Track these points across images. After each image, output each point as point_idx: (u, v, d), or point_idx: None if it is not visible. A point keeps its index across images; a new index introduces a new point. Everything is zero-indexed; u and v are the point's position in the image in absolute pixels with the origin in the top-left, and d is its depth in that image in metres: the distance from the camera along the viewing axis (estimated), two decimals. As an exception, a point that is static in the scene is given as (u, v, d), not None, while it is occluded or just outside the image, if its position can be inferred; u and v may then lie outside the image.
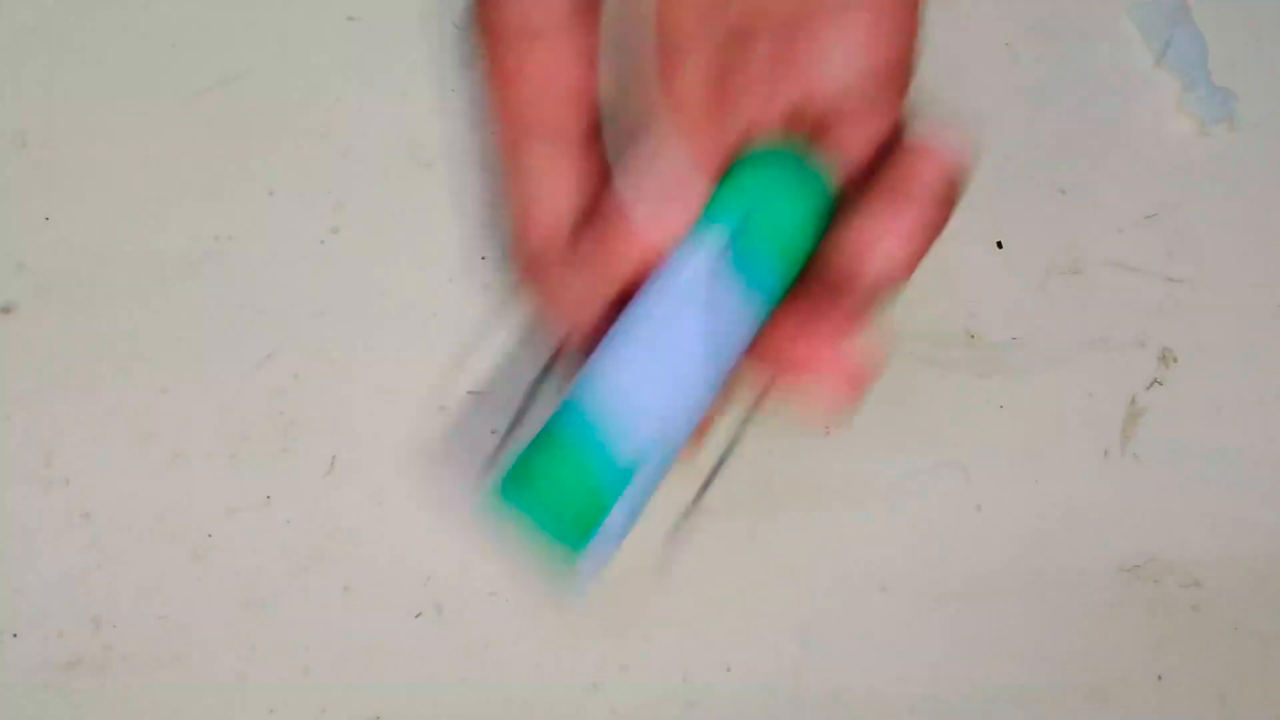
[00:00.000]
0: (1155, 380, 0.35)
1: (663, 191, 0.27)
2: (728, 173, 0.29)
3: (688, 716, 0.32)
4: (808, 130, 0.31)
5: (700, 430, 0.29)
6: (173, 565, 0.33)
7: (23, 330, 0.35)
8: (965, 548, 0.33)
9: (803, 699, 0.32)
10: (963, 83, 0.38)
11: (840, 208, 0.29)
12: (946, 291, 0.36)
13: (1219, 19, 0.39)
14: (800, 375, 0.27)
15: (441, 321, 0.34)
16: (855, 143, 0.30)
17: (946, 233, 0.36)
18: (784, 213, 0.28)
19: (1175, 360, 0.35)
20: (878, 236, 0.27)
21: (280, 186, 0.36)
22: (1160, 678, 0.33)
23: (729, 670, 0.32)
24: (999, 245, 0.37)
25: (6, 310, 0.35)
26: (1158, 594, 0.33)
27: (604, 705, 0.32)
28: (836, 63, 0.30)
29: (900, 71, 0.32)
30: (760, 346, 0.28)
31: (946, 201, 0.28)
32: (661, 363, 0.27)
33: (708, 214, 0.28)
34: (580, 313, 0.29)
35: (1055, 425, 0.35)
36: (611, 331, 0.28)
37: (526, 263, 0.30)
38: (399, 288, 0.35)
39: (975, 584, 0.33)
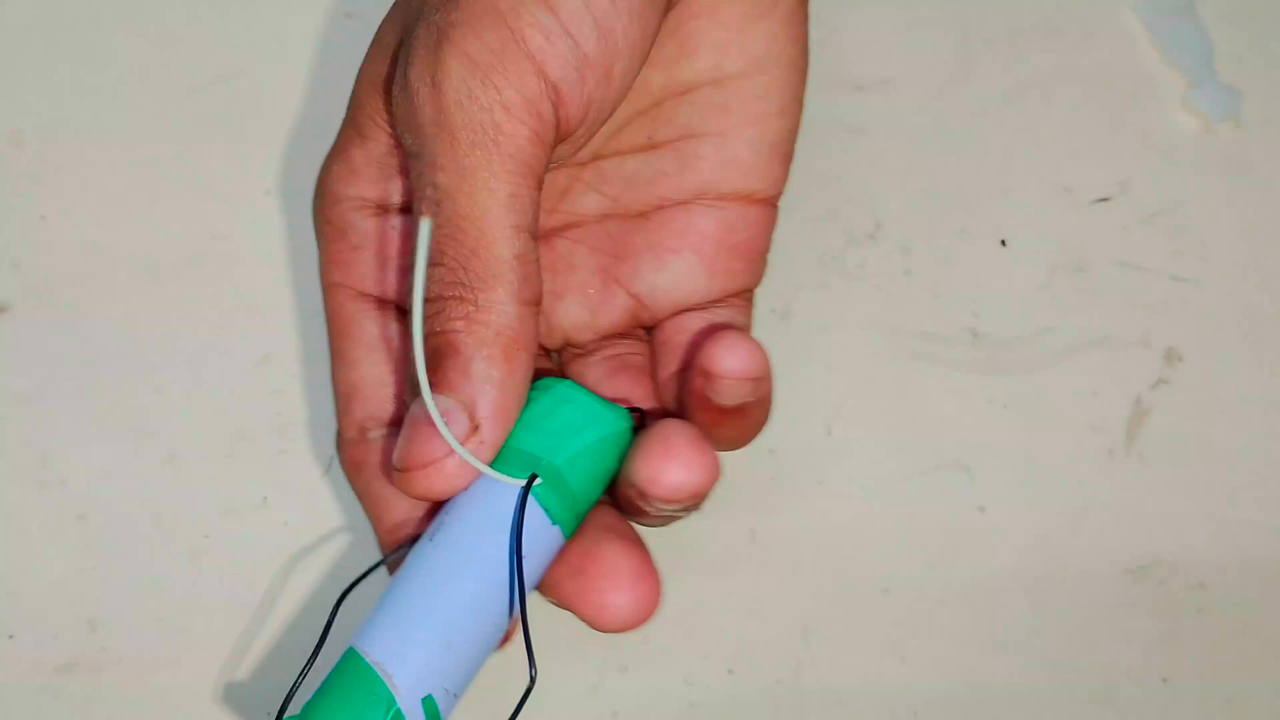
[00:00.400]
0: (1160, 380, 0.35)
1: (464, 419, 0.26)
2: (533, 398, 0.27)
3: (688, 718, 0.32)
4: (629, 323, 0.30)
5: (504, 639, 0.28)
6: (169, 567, 0.33)
7: (18, 330, 0.34)
8: (968, 549, 0.33)
9: (804, 701, 0.32)
10: (967, 79, 0.38)
11: (644, 427, 0.28)
12: (950, 290, 0.36)
13: (1225, 16, 0.39)
14: (580, 612, 0.27)
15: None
16: (676, 342, 0.30)
17: (950, 231, 0.36)
18: (584, 447, 0.27)
19: (1180, 360, 0.35)
20: (662, 467, 0.26)
21: (277, 185, 0.36)
22: (1166, 680, 0.33)
23: (730, 672, 0.32)
24: (1003, 244, 0.36)
25: (1, 310, 0.35)
26: (1163, 596, 0.33)
27: (604, 706, 0.32)
28: (670, 281, 0.30)
29: (748, 282, 0.31)
30: (548, 577, 0.28)
31: (740, 413, 0.28)
32: (450, 605, 0.26)
33: (511, 441, 0.27)
34: (391, 518, 0.28)
35: (1059, 425, 0.35)
36: (402, 568, 0.27)
37: (344, 455, 0.29)
38: (397, 287, 0.34)
39: (978, 586, 0.33)
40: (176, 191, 0.36)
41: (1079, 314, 0.36)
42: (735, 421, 0.28)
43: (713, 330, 0.29)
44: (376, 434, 0.29)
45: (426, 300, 0.26)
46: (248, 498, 0.33)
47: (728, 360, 0.26)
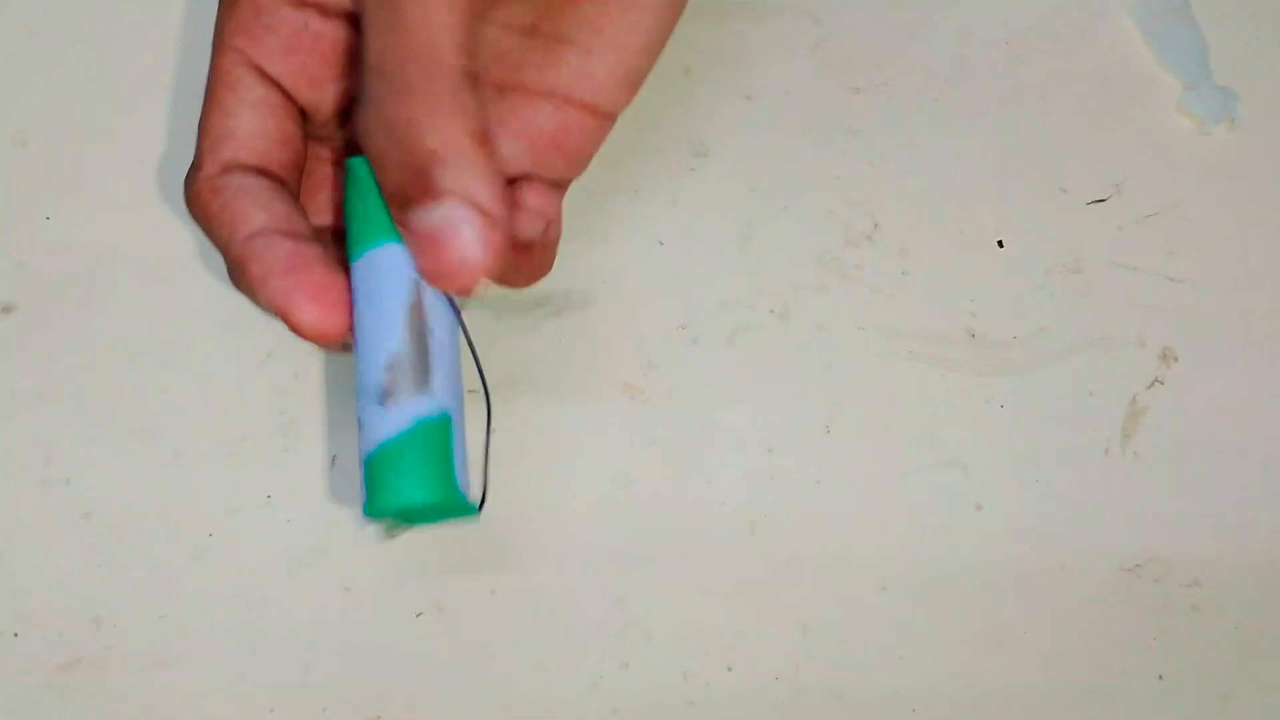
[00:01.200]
0: (1156, 379, 0.35)
1: (475, 215, 0.28)
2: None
3: (688, 716, 0.32)
4: None
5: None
6: (173, 565, 0.33)
7: (23, 330, 0.35)
8: (966, 547, 0.33)
9: (802, 698, 0.32)
10: (964, 81, 0.38)
11: None
12: (947, 290, 0.36)
13: (1220, 18, 0.39)
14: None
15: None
16: None
17: (948, 231, 0.36)
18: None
19: (1176, 359, 0.36)
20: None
21: (280, 186, 0.36)
22: (1161, 677, 0.33)
23: (729, 670, 0.32)
24: (1000, 244, 0.37)
25: (7, 310, 0.35)
26: (1158, 593, 0.33)
27: (604, 705, 0.32)
28: (501, 156, 0.33)
29: (566, 176, 0.34)
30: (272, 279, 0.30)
31: (528, 249, 0.32)
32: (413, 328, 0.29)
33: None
34: (249, 228, 0.29)
35: (1056, 424, 0.35)
36: (363, 331, 0.29)
37: (198, 185, 0.30)
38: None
39: (975, 583, 0.33)
40: (181, 191, 0.36)
41: (1075, 314, 0.36)
42: (522, 258, 0.32)
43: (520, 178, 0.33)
44: (238, 175, 0.30)
45: (391, 120, 0.28)
46: (251, 496, 0.33)
47: (530, 198, 0.31)
